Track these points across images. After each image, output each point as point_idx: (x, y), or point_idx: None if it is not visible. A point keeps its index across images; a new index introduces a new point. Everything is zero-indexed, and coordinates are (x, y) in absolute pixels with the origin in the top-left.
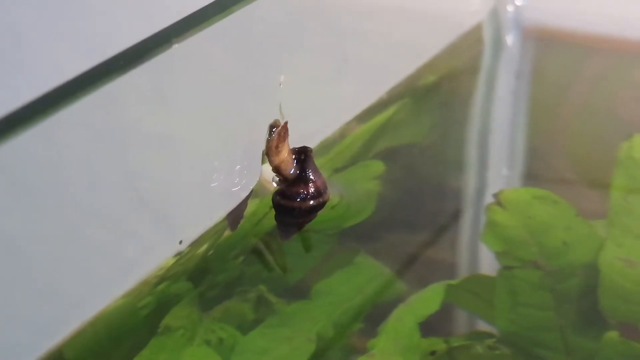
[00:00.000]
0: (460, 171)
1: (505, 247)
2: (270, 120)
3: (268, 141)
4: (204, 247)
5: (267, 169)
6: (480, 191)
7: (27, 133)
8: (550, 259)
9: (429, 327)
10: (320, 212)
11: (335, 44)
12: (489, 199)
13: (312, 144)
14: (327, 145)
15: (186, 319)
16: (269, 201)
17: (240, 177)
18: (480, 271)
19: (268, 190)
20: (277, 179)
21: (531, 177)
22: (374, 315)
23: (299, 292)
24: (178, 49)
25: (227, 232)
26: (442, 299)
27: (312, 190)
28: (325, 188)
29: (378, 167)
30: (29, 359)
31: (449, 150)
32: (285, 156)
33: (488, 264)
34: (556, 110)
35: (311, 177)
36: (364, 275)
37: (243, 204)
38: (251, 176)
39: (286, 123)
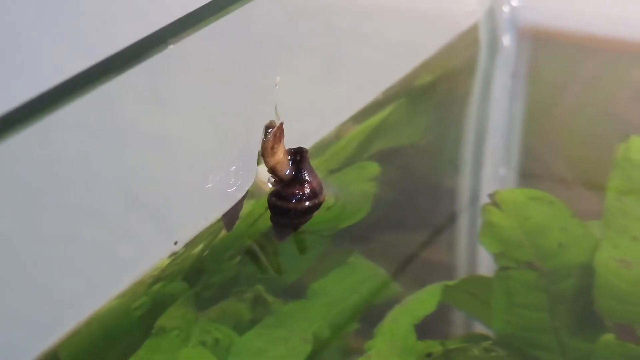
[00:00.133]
0: (457, 172)
1: (501, 248)
2: (266, 121)
3: (263, 142)
4: (200, 247)
5: (263, 169)
6: (477, 192)
7: (23, 133)
8: (546, 259)
9: (425, 329)
10: (315, 213)
11: (331, 44)
12: (485, 199)
13: (307, 144)
14: (322, 146)
15: (181, 319)
16: (264, 202)
17: (235, 177)
18: (476, 272)
19: (263, 191)
20: (273, 179)
21: (527, 177)
22: (370, 316)
23: (295, 292)
24: (174, 49)
25: (223, 233)
26: (438, 300)
27: (307, 191)
28: (321, 189)
29: (374, 168)
30: None
31: (445, 151)
32: (280, 157)
33: (485, 264)
34: (552, 111)
35: (307, 178)
36: (359, 275)
37: (239, 204)
38: (247, 177)
39: (282, 124)
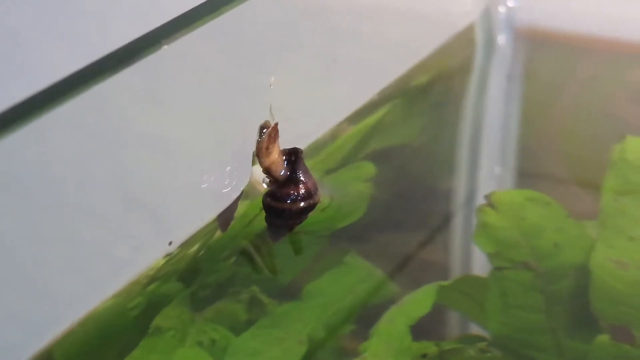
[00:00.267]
0: (452, 172)
1: (497, 249)
2: (261, 122)
3: (258, 142)
4: (195, 247)
5: (258, 170)
6: (472, 192)
7: (18, 133)
8: (542, 260)
9: (421, 330)
10: (310, 214)
11: (327, 45)
12: (480, 200)
13: (302, 145)
14: (318, 147)
15: (177, 319)
16: (259, 202)
17: (230, 178)
18: (472, 272)
19: (258, 192)
20: (268, 180)
21: (523, 177)
22: (365, 317)
23: (290, 293)
24: (169, 50)
25: (218, 233)
26: (433, 301)
27: (302, 191)
28: (316, 189)
29: (369, 168)
30: None
31: (441, 151)
32: (275, 157)
33: (480, 265)
34: (548, 111)
35: (302, 178)
36: (355, 276)
37: (233, 205)
38: (241, 177)
39: (276, 124)
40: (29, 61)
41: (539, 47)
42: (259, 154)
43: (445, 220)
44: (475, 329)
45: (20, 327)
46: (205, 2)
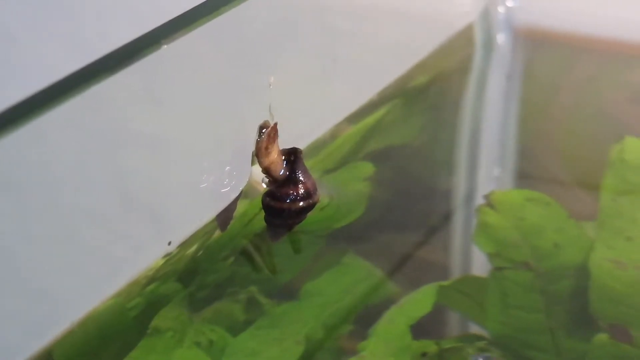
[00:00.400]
0: (451, 172)
1: (496, 249)
2: (260, 122)
3: (258, 142)
4: (194, 247)
5: (257, 170)
6: (471, 192)
7: (17, 133)
8: (541, 260)
9: (421, 329)
10: (310, 214)
11: (326, 45)
12: (479, 199)
13: (302, 145)
14: (317, 147)
15: (175, 320)
16: (258, 202)
17: (229, 178)
18: (472, 272)
19: (258, 191)
20: (267, 180)
21: (522, 178)
22: (364, 317)
23: (288, 293)
24: (168, 50)
25: (217, 233)
26: (434, 301)
27: (301, 191)
28: (315, 189)
29: (368, 168)
30: None
31: (440, 152)
32: (274, 157)
33: (479, 265)
34: (547, 111)
35: (301, 178)
36: (354, 276)
37: (233, 204)
38: (241, 177)
39: (276, 124)
40: (28, 61)
41: (538, 47)
42: (258, 154)
43: (445, 220)
44: (475, 328)
45: (20, 327)
46: (205, 2)
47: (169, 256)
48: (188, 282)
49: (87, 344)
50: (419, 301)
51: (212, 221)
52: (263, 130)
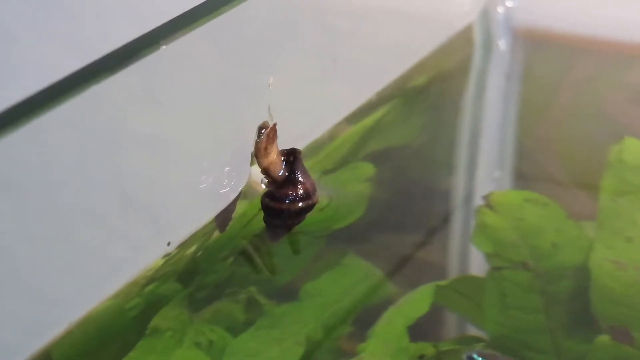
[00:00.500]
0: (451, 173)
1: (495, 249)
2: (259, 122)
3: (257, 143)
4: (193, 248)
5: (256, 170)
6: (471, 193)
7: (16, 133)
8: (540, 260)
9: (419, 331)
10: (309, 214)
11: (325, 45)
12: (479, 200)
13: (301, 145)
14: (316, 147)
15: (175, 320)
16: (257, 203)
17: (229, 178)
18: (470, 273)
19: (257, 192)
20: (266, 180)
21: (521, 178)
22: (363, 318)
23: (288, 294)
24: (167, 50)
25: (216, 234)
26: (431, 301)
27: (301, 192)
28: (314, 190)
29: (368, 169)
30: None
31: (439, 152)
32: (274, 158)
33: (478, 265)
34: (546, 112)
35: (300, 179)
36: (353, 276)
37: (232, 205)
38: (240, 178)
39: (275, 125)
40: (27, 61)
41: (538, 47)
42: (258, 155)
43: (444, 221)
44: (472, 330)
45: (19, 327)
46: (204, 2)
47: (168, 256)
48: (187, 283)
49: (86, 345)
50: (416, 301)
51: (212, 222)
52: (262, 131)
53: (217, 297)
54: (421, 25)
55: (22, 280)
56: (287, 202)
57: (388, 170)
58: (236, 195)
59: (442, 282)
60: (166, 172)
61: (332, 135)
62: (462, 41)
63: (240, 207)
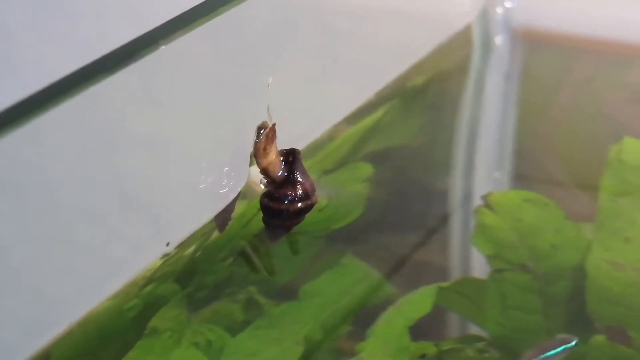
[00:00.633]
0: (450, 173)
1: (495, 250)
2: (258, 122)
3: (256, 143)
4: (192, 248)
5: (255, 170)
6: (470, 193)
7: (15, 133)
8: (539, 261)
9: (419, 330)
10: (308, 215)
11: (324, 46)
12: (478, 201)
13: (300, 145)
14: (315, 147)
15: (174, 320)
16: (257, 203)
17: (228, 178)
18: (470, 274)
19: (256, 192)
20: (265, 181)
21: (520, 179)
22: (363, 318)
23: (287, 293)
24: (166, 50)
25: (215, 234)
26: (432, 302)
27: (300, 192)
28: (314, 190)
29: (367, 169)
30: None
31: (438, 152)
32: (273, 158)
33: (478, 266)
34: (545, 112)
35: (299, 179)
36: (352, 276)
37: (231, 205)
38: (239, 178)
39: (274, 125)
40: (26, 62)
41: (536, 47)
42: (257, 155)
43: (443, 221)
44: (473, 329)
45: (18, 328)
46: (203, 2)
47: (167, 257)
48: (186, 283)
49: (85, 345)
50: (417, 302)
51: (211, 222)
52: (261, 131)
53: (216, 298)
54: (420, 26)
55: (21, 280)
56: (286, 202)
57: (387, 171)
58: (235, 195)
59: (444, 284)
60: (165, 172)
61: (331, 136)
62: (461, 41)
63: (239, 208)
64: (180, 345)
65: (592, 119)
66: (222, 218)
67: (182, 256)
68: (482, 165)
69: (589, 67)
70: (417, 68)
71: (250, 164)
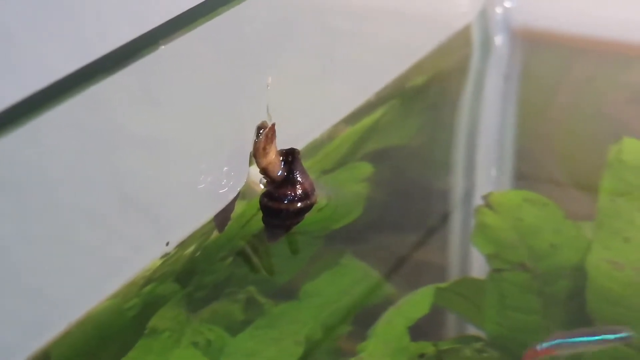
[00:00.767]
0: (449, 173)
1: (494, 250)
2: (258, 122)
3: (255, 143)
4: (191, 248)
5: (255, 170)
6: (469, 193)
7: (14, 133)
8: (539, 261)
9: (419, 330)
10: (307, 214)
11: (324, 45)
12: (477, 200)
13: (300, 145)
14: (315, 147)
15: (173, 320)
16: (256, 203)
17: (227, 178)
18: (469, 273)
19: (255, 192)
20: (265, 180)
21: (520, 178)
22: (362, 318)
23: (287, 293)
24: (166, 50)
25: (215, 234)
26: (431, 302)
27: (299, 192)
28: (313, 190)
29: (366, 169)
30: None
31: (438, 152)
32: (272, 158)
33: (478, 266)
34: (545, 112)
35: (299, 179)
36: (351, 276)
37: (230, 205)
38: (239, 178)
39: (274, 125)
40: (26, 61)
41: (536, 48)
42: (256, 155)
43: (442, 221)
44: (472, 330)
45: (18, 327)
46: (203, 2)
47: (166, 257)
48: (186, 283)
49: (85, 345)
50: (416, 303)
51: (210, 222)
52: (261, 131)
53: (216, 297)
54: (420, 26)
55: (21, 280)
56: (286, 202)
57: (386, 170)
58: (235, 195)
59: (442, 285)
60: (165, 172)
61: (330, 136)
62: (460, 41)
63: (238, 207)
64: (179, 345)
65: (592, 119)
66: (222, 218)
67: (182, 256)
68: (482, 165)
69: (589, 67)
70: (417, 68)
71: (250, 163)
